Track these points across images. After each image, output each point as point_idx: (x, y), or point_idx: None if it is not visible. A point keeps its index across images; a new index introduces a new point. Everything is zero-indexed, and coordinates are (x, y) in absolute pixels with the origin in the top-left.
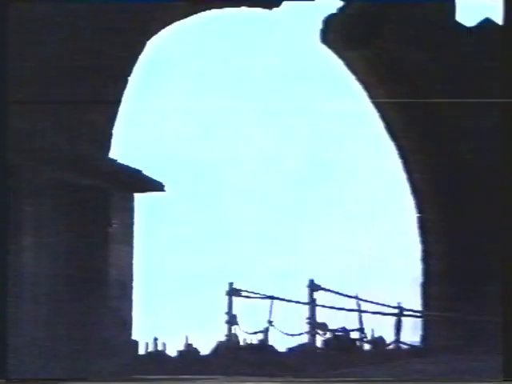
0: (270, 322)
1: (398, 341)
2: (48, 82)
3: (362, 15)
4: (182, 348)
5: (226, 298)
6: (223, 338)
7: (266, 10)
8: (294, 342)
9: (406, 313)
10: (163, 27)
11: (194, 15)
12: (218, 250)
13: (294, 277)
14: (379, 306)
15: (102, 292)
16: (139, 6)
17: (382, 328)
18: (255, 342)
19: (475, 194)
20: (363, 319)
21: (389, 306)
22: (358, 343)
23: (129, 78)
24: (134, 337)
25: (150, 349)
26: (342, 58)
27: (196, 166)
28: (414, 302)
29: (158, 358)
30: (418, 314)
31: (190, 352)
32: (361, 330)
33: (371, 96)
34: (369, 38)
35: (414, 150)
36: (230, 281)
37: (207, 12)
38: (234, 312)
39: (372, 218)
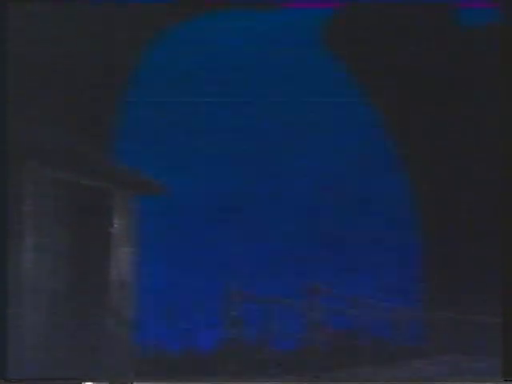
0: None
1: (398, 340)
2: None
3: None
4: (182, 348)
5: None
6: (224, 337)
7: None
8: (294, 341)
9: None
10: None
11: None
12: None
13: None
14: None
15: (103, 292)
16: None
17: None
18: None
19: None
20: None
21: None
22: (358, 343)
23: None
24: (134, 337)
25: (151, 348)
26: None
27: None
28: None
29: (158, 357)
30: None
31: (191, 352)
32: (361, 329)
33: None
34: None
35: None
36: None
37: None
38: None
39: None
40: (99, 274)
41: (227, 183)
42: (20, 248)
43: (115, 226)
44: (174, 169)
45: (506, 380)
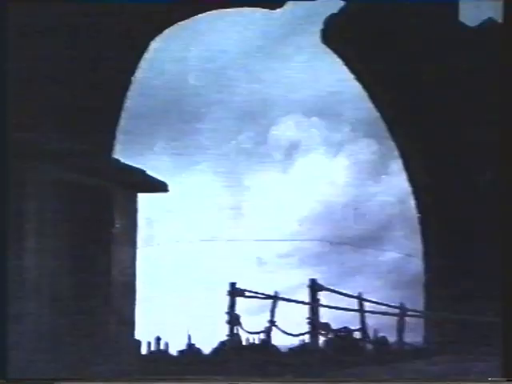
0: (273, 322)
1: (399, 341)
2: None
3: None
4: (184, 348)
5: (228, 297)
6: (225, 338)
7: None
8: (296, 342)
9: (408, 313)
10: (165, 27)
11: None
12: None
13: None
14: (381, 305)
15: (105, 292)
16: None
17: (384, 328)
18: (257, 341)
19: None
20: (365, 319)
21: (391, 306)
22: (360, 343)
23: (132, 78)
24: (136, 337)
25: (153, 348)
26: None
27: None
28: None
29: (159, 357)
30: (420, 314)
31: (192, 352)
32: (363, 330)
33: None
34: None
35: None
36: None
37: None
38: (236, 312)
39: None
40: (101, 274)
41: None
42: (21, 248)
43: (117, 225)
44: None
45: (508, 380)
